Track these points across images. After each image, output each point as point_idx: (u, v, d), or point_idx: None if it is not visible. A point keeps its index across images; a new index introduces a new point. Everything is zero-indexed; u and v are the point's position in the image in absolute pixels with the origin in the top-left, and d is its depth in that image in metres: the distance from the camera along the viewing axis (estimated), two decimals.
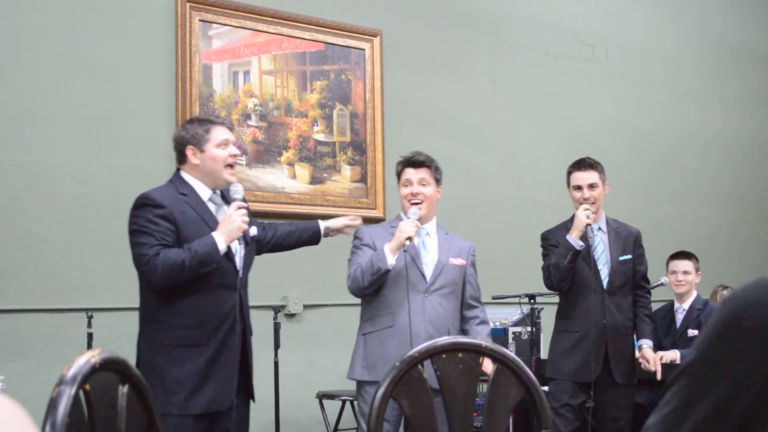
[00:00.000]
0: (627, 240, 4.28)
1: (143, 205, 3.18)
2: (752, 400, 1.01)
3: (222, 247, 3.10)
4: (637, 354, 4.27)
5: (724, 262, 7.28)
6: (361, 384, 3.70)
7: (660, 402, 1.10)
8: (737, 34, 8.07)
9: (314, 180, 5.63)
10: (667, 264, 5.33)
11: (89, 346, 4.31)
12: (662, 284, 5.19)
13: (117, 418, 1.47)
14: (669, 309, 5.30)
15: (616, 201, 6.99)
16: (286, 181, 5.51)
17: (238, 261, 3.24)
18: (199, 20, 5.27)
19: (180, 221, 3.15)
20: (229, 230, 3.12)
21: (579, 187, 4.25)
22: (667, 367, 4.67)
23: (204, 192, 3.27)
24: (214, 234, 3.10)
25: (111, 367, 1.45)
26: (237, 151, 3.33)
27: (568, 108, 6.88)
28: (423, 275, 3.69)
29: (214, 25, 5.33)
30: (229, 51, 5.39)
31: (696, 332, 5.01)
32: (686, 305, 5.19)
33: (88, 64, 4.90)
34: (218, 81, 5.33)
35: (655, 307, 5.55)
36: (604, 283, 4.16)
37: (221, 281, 3.17)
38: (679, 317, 5.20)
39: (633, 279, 4.28)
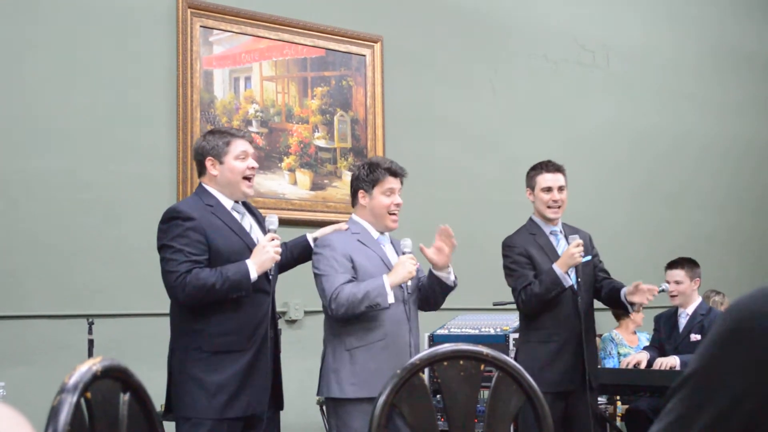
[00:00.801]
0: (584, 242, 4.11)
1: (172, 218, 3.22)
2: (755, 408, 1.01)
3: (254, 276, 3.18)
4: (626, 290, 4.12)
5: (722, 266, 7.27)
6: (346, 402, 3.47)
7: (663, 410, 1.10)
8: (735, 39, 8.08)
9: (315, 186, 5.63)
10: (665, 273, 5.32)
11: (90, 353, 4.30)
12: (663, 290, 5.18)
13: (118, 425, 1.47)
14: (672, 314, 5.29)
15: (616, 205, 7.01)
16: (287, 187, 5.51)
17: (272, 270, 3.32)
18: (201, 26, 5.27)
19: (209, 232, 3.21)
20: (262, 260, 3.19)
21: (549, 189, 4.15)
22: (666, 373, 4.67)
23: (227, 202, 3.34)
24: (247, 261, 3.18)
25: (112, 374, 1.45)
26: (255, 164, 3.39)
27: (568, 113, 6.88)
28: (403, 284, 3.57)
29: (215, 31, 5.34)
30: (230, 57, 5.39)
31: (699, 337, 5.00)
32: (690, 310, 5.18)
33: (89, 70, 4.90)
34: (219, 87, 5.33)
35: (658, 312, 5.56)
36: (575, 287, 4.04)
37: (256, 286, 3.24)
38: (682, 322, 5.19)
39: (594, 277, 4.21)
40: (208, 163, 3.34)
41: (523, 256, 4.09)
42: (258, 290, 3.26)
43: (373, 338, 3.50)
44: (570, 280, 3.98)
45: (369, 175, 3.62)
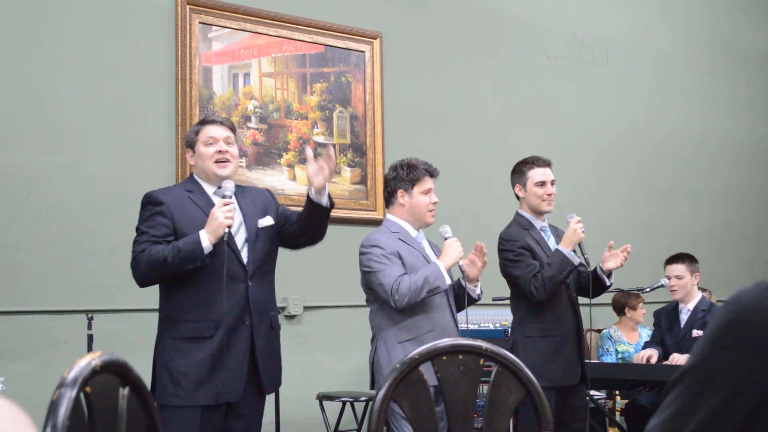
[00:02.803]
0: None
1: (144, 203, 3.30)
2: (754, 401, 1.02)
3: (205, 244, 3.11)
4: (602, 259, 4.17)
5: (718, 262, 7.29)
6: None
7: (662, 404, 1.10)
8: (735, 35, 8.09)
9: None
10: (664, 268, 5.32)
11: (89, 348, 4.30)
12: (662, 285, 5.18)
13: (118, 420, 1.47)
14: (673, 309, 5.30)
15: (614, 201, 7.01)
16: (286, 183, 5.51)
17: (245, 254, 3.25)
18: (199, 23, 5.27)
19: (178, 216, 3.22)
20: (212, 228, 3.12)
21: (543, 183, 4.14)
22: (669, 368, 4.68)
23: (209, 188, 3.35)
24: (200, 231, 3.13)
25: (111, 369, 1.45)
26: (224, 147, 3.32)
27: (568, 110, 6.89)
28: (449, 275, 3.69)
29: (214, 28, 5.34)
30: (229, 53, 5.39)
31: (700, 332, 5.01)
32: (690, 306, 5.18)
33: (88, 66, 4.90)
34: (218, 83, 5.33)
35: (659, 307, 5.56)
36: (585, 264, 4.05)
37: (227, 274, 3.17)
38: (684, 317, 5.19)
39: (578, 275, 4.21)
40: (188, 155, 3.41)
41: (524, 249, 4.07)
42: (229, 276, 3.17)
43: (423, 329, 3.59)
44: (577, 258, 4.00)
45: (408, 175, 3.76)
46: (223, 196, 3.22)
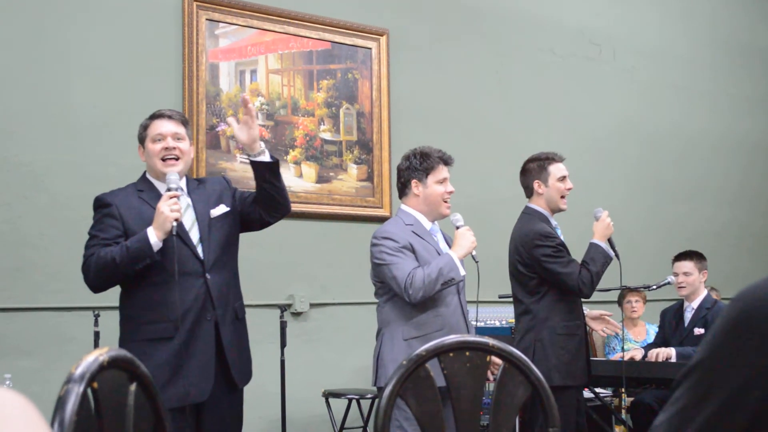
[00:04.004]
0: None
1: (95, 208, 3.19)
2: (761, 397, 1.01)
3: (153, 241, 2.98)
4: (590, 314, 4.20)
5: (732, 261, 7.28)
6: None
7: (669, 400, 1.10)
8: (736, 31, 8.06)
9: (321, 179, 5.63)
10: (672, 265, 5.31)
11: (96, 345, 4.31)
12: (669, 283, 5.18)
13: (125, 416, 1.47)
14: (678, 307, 5.29)
15: (624, 200, 6.99)
16: (292, 179, 5.51)
17: (201, 247, 3.13)
18: (206, 19, 5.27)
19: (126, 216, 3.11)
20: (159, 223, 2.99)
21: (564, 178, 4.11)
22: (662, 365, 4.68)
23: (161, 186, 3.18)
24: (148, 229, 3.01)
25: (119, 365, 1.45)
26: (172, 144, 3.17)
27: (575, 107, 6.87)
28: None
29: (221, 24, 5.34)
30: (236, 50, 5.39)
31: (702, 330, 5.00)
32: (695, 304, 5.18)
33: (94, 63, 4.91)
34: (225, 80, 5.33)
35: (664, 305, 5.55)
36: (618, 258, 4.06)
37: (182, 270, 3.04)
38: (688, 316, 5.18)
39: None
40: (138, 150, 3.28)
41: (560, 245, 4.02)
42: (183, 274, 3.04)
43: (432, 328, 3.48)
44: (612, 252, 4.01)
45: (422, 164, 3.62)
46: (168, 189, 3.05)
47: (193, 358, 3.05)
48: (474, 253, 3.59)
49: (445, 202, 3.64)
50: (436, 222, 3.71)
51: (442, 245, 3.67)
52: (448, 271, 3.43)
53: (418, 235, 3.59)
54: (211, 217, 3.20)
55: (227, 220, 3.25)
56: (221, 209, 3.23)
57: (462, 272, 3.50)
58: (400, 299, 3.50)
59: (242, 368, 3.23)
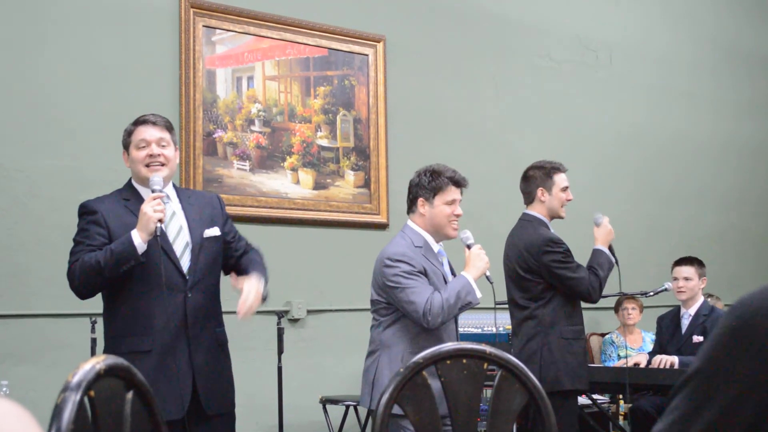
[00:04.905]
0: None
1: (79, 215, 3.16)
2: (759, 405, 1.01)
3: (138, 242, 2.94)
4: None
5: (734, 268, 7.29)
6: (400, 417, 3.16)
7: (667, 408, 1.10)
8: (738, 37, 8.08)
9: (318, 185, 5.63)
10: (672, 270, 5.31)
11: (92, 351, 4.31)
12: (666, 289, 5.18)
13: (122, 424, 1.47)
14: (675, 314, 5.28)
15: (617, 204, 6.99)
16: (289, 186, 5.51)
17: (185, 262, 3.10)
18: (203, 26, 5.27)
19: (112, 224, 3.07)
20: (143, 224, 2.95)
21: (566, 188, 4.14)
22: (668, 371, 4.67)
23: (146, 192, 3.13)
24: (132, 231, 2.97)
25: (116, 373, 1.45)
26: (156, 150, 3.14)
27: (571, 113, 6.88)
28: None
29: (217, 31, 5.34)
30: (232, 56, 5.40)
31: (701, 338, 4.99)
32: (692, 311, 5.17)
33: (91, 69, 4.91)
34: (222, 86, 5.33)
35: (661, 312, 5.55)
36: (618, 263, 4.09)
37: (170, 282, 3.02)
38: (685, 323, 5.18)
39: None
40: (123, 156, 3.24)
41: (568, 251, 4.03)
42: (168, 288, 2.99)
43: (432, 345, 3.42)
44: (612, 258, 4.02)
45: (431, 183, 3.53)
46: (153, 191, 3.02)
47: (167, 375, 2.98)
48: (488, 273, 3.53)
49: (451, 222, 3.53)
50: (441, 243, 3.63)
51: (446, 270, 3.60)
52: (465, 294, 3.38)
53: (428, 259, 3.51)
54: (204, 236, 3.16)
55: (218, 243, 3.22)
56: (214, 231, 3.19)
57: (478, 295, 3.44)
58: (407, 322, 3.42)
59: (215, 396, 3.11)
